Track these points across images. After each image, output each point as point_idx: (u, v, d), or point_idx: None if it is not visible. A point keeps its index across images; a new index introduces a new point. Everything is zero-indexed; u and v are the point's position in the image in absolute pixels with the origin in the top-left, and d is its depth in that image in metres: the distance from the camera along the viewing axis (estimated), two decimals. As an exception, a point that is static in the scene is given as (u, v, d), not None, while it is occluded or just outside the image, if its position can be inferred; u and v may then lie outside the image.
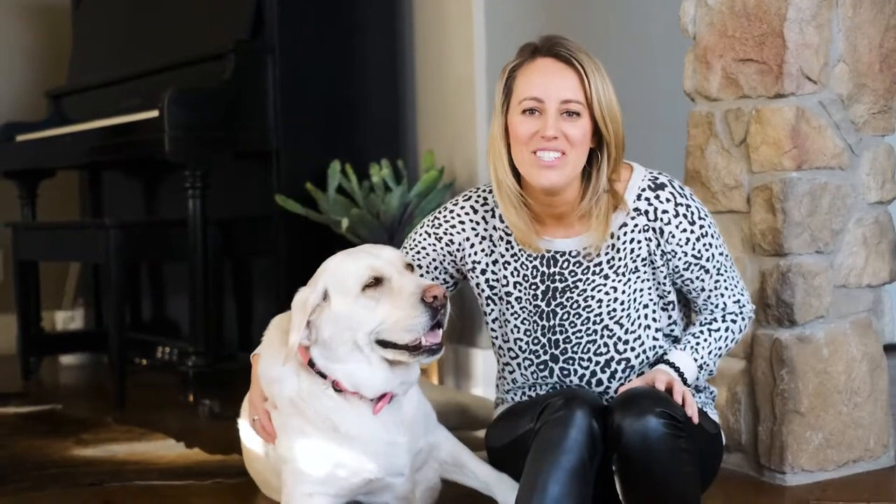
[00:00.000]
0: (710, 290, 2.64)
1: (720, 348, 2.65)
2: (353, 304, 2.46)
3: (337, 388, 2.51)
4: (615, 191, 2.56)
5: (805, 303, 2.97)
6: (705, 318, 2.66)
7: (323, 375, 2.52)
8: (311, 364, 2.53)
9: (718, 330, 2.64)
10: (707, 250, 2.61)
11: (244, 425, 2.79)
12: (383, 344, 2.47)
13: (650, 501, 2.41)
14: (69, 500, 3.05)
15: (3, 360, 5.43)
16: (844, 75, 3.04)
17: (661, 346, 2.64)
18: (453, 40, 4.35)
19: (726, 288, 2.66)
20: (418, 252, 2.71)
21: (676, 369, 2.57)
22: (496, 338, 2.71)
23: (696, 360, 2.60)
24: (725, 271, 2.65)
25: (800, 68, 2.95)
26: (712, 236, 2.62)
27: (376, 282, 2.46)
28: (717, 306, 2.66)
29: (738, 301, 2.68)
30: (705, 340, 2.62)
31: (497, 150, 2.54)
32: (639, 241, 2.59)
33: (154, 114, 4.18)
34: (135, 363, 4.86)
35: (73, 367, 5.35)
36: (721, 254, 2.64)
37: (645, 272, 2.61)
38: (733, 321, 2.66)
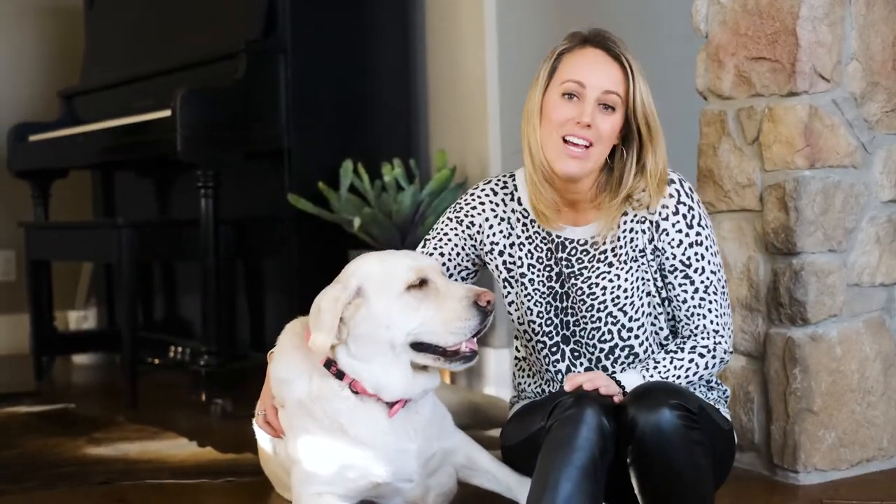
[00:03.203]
0: (693, 307, 2.59)
1: (678, 377, 2.56)
2: (396, 303, 2.45)
3: (354, 389, 2.50)
4: (652, 198, 2.57)
5: (818, 301, 2.97)
6: (672, 346, 2.60)
7: (340, 376, 2.50)
8: (327, 365, 2.51)
9: (682, 360, 2.57)
10: (698, 261, 2.58)
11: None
12: (418, 347, 2.46)
13: (665, 494, 2.40)
14: (81, 498, 3.06)
15: (16, 360, 5.46)
16: (857, 73, 3.03)
17: (665, 338, 2.65)
18: (465, 39, 4.34)
19: (710, 311, 2.60)
20: (440, 239, 2.71)
21: (618, 382, 2.51)
22: (513, 320, 2.73)
23: (643, 377, 2.53)
24: (714, 294, 2.60)
25: (812, 66, 2.94)
26: (707, 249, 2.59)
27: (421, 283, 2.46)
28: (696, 327, 2.60)
29: (718, 332, 2.60)
30: (664, 367, 2.56)
31: (532, 124, 2.58)
32: (636, 232, 2.60)
33: (166, 113, 4.19)
34: (147, 362, 4.87)
35: (86, 366, 5.36)
36: (714, 272, 2.60)
37: (644, 262, 2.61)
38: (701, 356, 2.58)
